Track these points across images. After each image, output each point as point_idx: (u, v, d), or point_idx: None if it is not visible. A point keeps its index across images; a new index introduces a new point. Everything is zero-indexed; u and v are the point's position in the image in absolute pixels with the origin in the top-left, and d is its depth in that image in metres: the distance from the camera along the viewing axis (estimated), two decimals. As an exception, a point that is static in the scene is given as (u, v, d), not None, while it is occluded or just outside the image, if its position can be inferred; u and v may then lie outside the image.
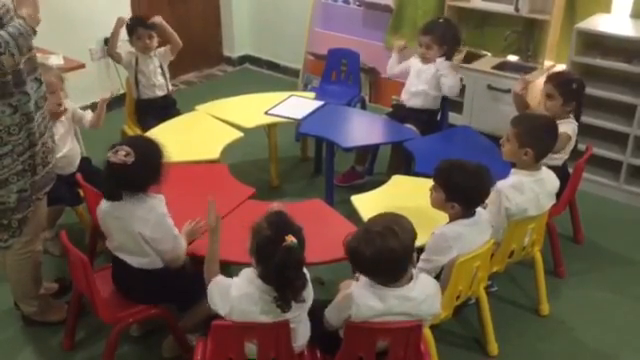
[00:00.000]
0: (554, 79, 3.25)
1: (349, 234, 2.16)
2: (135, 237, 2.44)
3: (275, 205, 2.31)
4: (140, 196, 2.43)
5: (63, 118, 3.23)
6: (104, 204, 2.50)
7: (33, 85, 2.50)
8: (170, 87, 4.18)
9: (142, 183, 2.43)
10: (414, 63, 3.94)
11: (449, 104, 4.10)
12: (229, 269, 2.50)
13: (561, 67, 4.18)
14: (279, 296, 2.03)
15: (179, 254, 2.52)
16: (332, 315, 2.23)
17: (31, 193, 2.60)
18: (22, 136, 2.48)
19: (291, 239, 1.98)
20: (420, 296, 2.14)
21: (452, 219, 2.53)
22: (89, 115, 3.44)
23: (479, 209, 2.54)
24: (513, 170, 2.86)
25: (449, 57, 3.83)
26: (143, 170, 2.38)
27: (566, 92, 3.18)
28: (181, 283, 2.58)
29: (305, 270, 2.11)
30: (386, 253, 2.05)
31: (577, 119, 3.27)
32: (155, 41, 4.00)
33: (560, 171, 3.10)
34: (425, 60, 3.87)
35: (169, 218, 2.47)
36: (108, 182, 2.43)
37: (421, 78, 3.87)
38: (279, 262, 1.98)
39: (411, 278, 2.15)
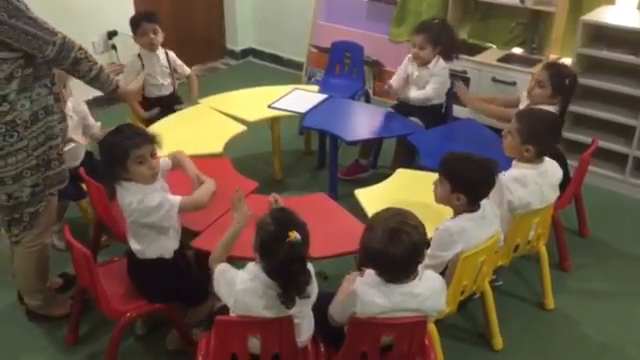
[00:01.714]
0: (550, 68, 3.24)
1: (361, 240, 2.13)
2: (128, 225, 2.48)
3: (273, 197, 2.30)
4: (122, 183, 2.43)
5: (71, 112, 3.23)
6: None
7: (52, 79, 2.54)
8: (176, 85, 4.15)
9: (104, 168, 2.46)
10: (410, 69, 3.83)
11: (453, 97, 4.07)
12: (234, 265, 2.49)
13: (567, 60, 4.15)
14: (283, 292, 2.02)
15: (176, 210, 2.45)
16: (336, 312, 2.22)
17: (44, 188, 2.61)
18: (37, 130, 2.49)
19: (295, 235, 1.97)
20: (425, 292, 2.13)
21: (457, 213, 2.50)
22: (96, 128, 3.43)
23: (484, 203, 2.51)
24: (515, 162, 2.84)
25: (447, 58, 3.76)
26: (101, 156, 2.45)
27: (557, 85, 3.17)
28: (187, 284, 2.58)
29: (310, 266, 2.09)
30: (412, 248, 2.04)
31: (562, 116, 3.23)
32: (160, 36, 3.94)
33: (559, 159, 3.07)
34: (419, 61, 3.75)
35: (153, 194, 2.41)
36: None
37: (419, 85, 3.80)
38: (283, 258, 1.96)
39: (416, 274, 2.14)
